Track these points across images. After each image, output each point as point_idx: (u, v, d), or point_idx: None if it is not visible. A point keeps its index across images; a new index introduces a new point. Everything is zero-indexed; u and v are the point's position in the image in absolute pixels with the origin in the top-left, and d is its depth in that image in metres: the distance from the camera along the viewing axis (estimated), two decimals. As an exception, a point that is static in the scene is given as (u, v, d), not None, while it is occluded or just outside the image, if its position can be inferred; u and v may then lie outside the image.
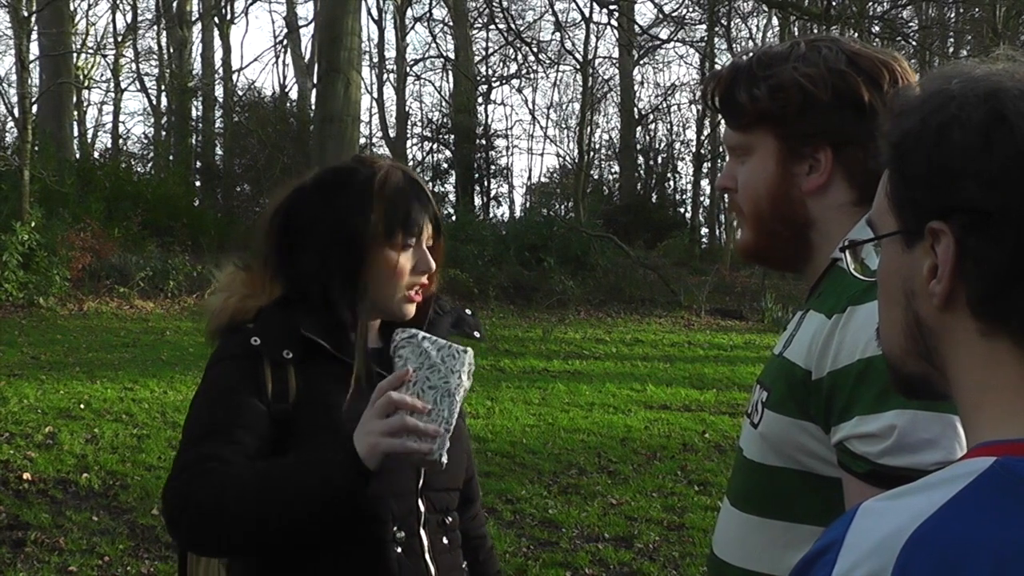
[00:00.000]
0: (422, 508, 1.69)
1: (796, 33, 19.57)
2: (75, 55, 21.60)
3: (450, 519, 1.76)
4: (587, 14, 22.29)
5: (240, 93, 23.95)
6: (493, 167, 25.49)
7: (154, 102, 27.06)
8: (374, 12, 27.05)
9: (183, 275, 14.26)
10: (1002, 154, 0.76)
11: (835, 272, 1.34)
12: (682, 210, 26.58)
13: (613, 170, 28.13)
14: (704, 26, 23.67)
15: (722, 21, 23.61)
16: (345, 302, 1.70)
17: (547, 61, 26.40)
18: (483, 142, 24.63)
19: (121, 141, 26.19)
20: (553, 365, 11.37)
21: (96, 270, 13.96)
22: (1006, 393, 0.77)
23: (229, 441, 1.59)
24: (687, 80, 35.90)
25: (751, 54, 1.43)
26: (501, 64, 29.14)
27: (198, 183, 22.06)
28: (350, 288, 1.70)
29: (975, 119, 0.77)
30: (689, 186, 27.17)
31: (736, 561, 1.37)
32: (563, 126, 34.22)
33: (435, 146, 25.51)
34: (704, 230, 26.70)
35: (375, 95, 28.25)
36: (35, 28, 17.04)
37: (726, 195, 1.48)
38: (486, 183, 25.21)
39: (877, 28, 18.07)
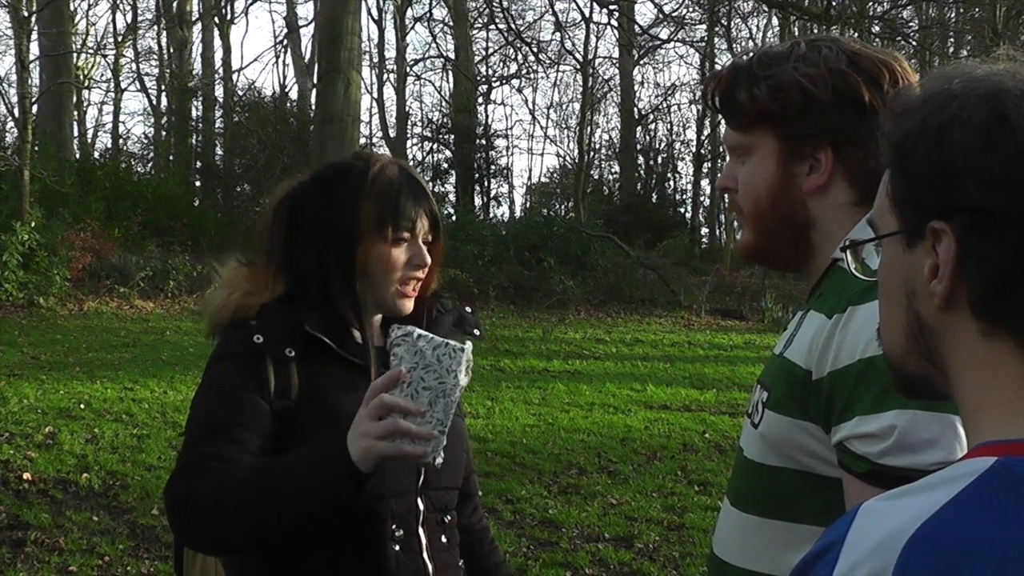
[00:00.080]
0: (421, 507, 1.69)
1: (796, 33, 19.58)
2: (75, 55, 21.61)
3: (449, 518, 1.76)
4: (587, 14, 22.35)
5: (240, 93, 23.97)
6: (493, 167, 25.51)
7: (154, 102, 27.11)
8: (374, 12, 27.10)
9: (183, 275, 14.27)
10: (1003, 154, 0.76)
11: (836, 272, 1.34)
12: (682, 210, 26.60)
13: (613, 170, 28.17)
14: (704, 26, 23.70)
15: (722, 21, 23.61)
16: (345, 298, 1.70)
17: (547, 61, 26.44)
18: (483, 142, 24.64)
19: (121, 141, 26.24)
20: (553, 365, 11.37)
21: (96, 270, 13.97)
22: (1007, 393, 0.77)
23: (230, 440, 1.59)
24: (687, 80, 35.94)
25: (751, 54, 1.43)
26: (501, 64, 29.20)
27: (198, 183, 22.07)
28: (348, 283, 1.70)
29: (976, 119, 0.77)
30: (689, 186, 27.21)
31: (736, 561, 1.37)
32: (563, 126, 34.29)
33: (435, 146, 25.55)
34: (704, 230, 26.76)
35: (375, 95, 28.32)
36: (35, 28, 17.04)
37: (726, 195, 1.48)
38: (486, 183, 25.24)
39: (877, 28, 18.07)
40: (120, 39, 26.63)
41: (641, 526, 5.64)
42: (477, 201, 24.39)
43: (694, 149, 25.92)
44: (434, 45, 34.08)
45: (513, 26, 23.54)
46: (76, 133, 23.05)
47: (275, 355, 1.64)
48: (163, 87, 25.96)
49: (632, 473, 6.78)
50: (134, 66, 27.32)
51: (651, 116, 27.39)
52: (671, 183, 27.64)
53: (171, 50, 25.39)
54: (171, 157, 21.96)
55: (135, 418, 7.54)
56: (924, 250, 0.81)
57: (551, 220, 19.86)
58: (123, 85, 27.14)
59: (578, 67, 24.42)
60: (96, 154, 23.80)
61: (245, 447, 1.59)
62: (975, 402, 0.80)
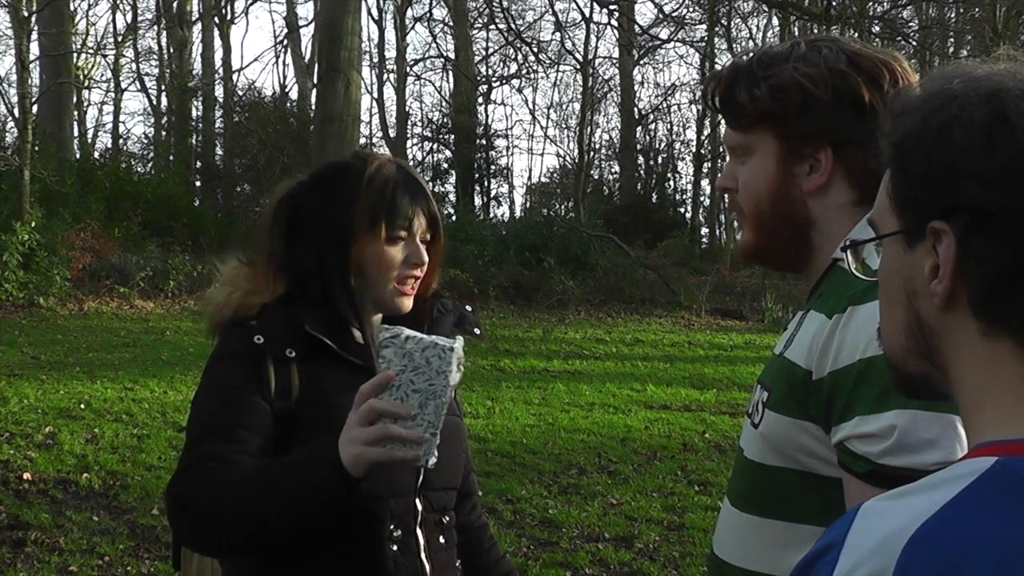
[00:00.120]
0: (419, 507, 1.69)
1: (796, 33, 19.58)
2: (75, 55, 21.61)
3: (447, 518, 1.76)
4: (587, 14, 22.35)
5: (240, 93, 23.98)
6: (493, 167, 25.51)
7: (154, 102, 27.12)
8: (374, 12, 27.10)
9: (183, 275, 14.27)
10: (1004, 154, 0.76)
11: (836, 272, 1.34)
12: (682, 210, 26.60)
13: (613, 170, 28.17)
14: (704, 26, 23.70)
15: (722, 21, 23.61)
16: (344, 298, 1.70)
17: (547, 61, 26.44)
18: (483, 142, 24.64)
19: (121, 141, 26.25)
20: (553, 365, 11.37)
21: (96, 270, 13.97)
22: (1007, 393, 0.77)
23: (230, 440, 1.59)
24: (687, 80, 35.93)
25: (751, 54, 1.43)
26: (501, 64, 29.20)
27: (198, 183, 22.07)
28: (346, 283, 1.70)
29: (977, 119, 0.77)
30: (689, 186, 27.22)
31: (736, 561, 1.37)
32: (563, 126, 34.28)
33: (435, 146, 25.55)
34: (704, 230, 26.76)
35: (375, 95, 28.31)
36: (35, 28, 17.05)
37: (727, 195, 1.48)
38: (486, 183, 25.24)
39: (877, 28, 18.07)
40: (120, 39, 26.65)
41: (641, 526, 5.64)
42: (477, 201, 24.40)
43: (694, 149, 25.95)
44: (434, 45, 34.09)
45: (513, 26, 23.56)
46: (76, 133, 23.08)
47: (276, 355, 1.64)
48: (163, 87, 25.98)
49: (632, 473, 6.78)
50: (134, 66, 27.37)
51: (651, 116, 27.42)
52: (671, 183, 27.67)
53: (171, 50, 25.40)
54: (171, 157, 21.97)
55: (135, 418, 7.54)
56: (924, 250, 0.81)
57: (551, 220, 19.86)
58: (123, 85, 27.19)
59: (578, 67, 24.43)
60: (96, 154, 23.84)
61: (246, 448, 1.59)
62: (975, 402, 0.80)
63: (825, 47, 1.37)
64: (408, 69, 26.99)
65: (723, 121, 1.48)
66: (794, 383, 1.29)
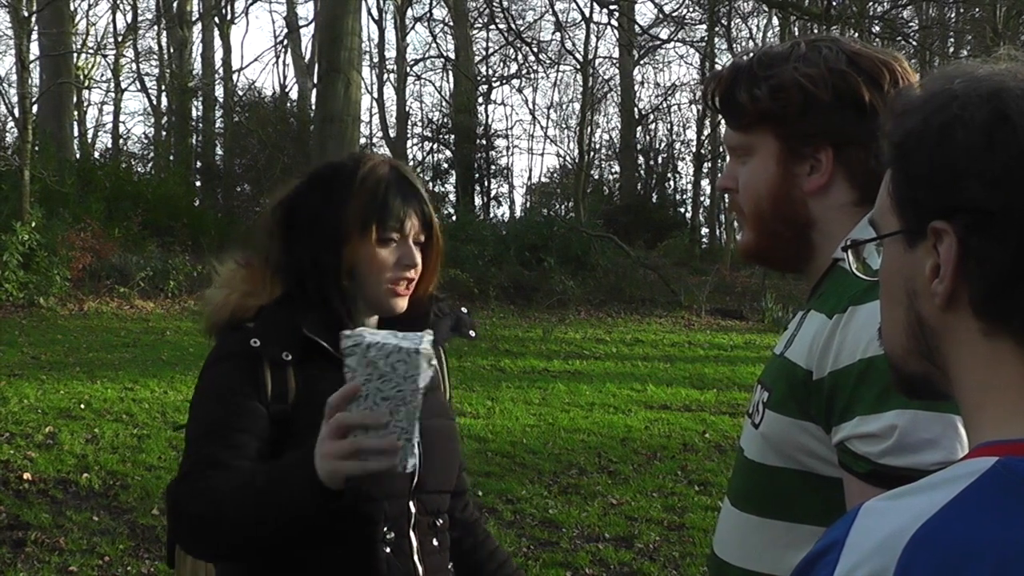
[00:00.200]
0: (413, 510, 1.69)
1: (796, 33, 19.58)
2: (75, 55, 21.61)
3: (440, 521, 1.76)
4: (587, 14, 22.34)
5: (240, 93, 23.98)
6: (493, 167, 25.51)
7: (154, 102, 27.11)
8: (374, 12, 27.07)
9: (183, 275, 14.27)
10: (1005, 154, 0.76)
11: (836, 272, 1.34)
12: (682, 210, 26.60)
13: (613, 170, 28.16)
14: (704, 26, 23.70)
15: (722, 21, 23.61)
16: (339, 299, 1.70)
17: (547, 61, 26.43)
18: (483, 142, 24.63)
19: (121, 141, 26.25)
20: (553, 365, 11.37)
21: (96, 270, 13.97)
22: (1008, 393, 0.77)
23: (228, 444, 1.59)
24: (687, 80, 35.88)
25: (751, 54, 1.43)
26: (501, 64, 29.19)
27: (198, 183, 22.07)
28: (339, 284, 1.70)
29: (978, 119, 0.77)
30: (689, 186, 27.21)
31: (736, 561, 1.37)
32: (563, 126, 34.27)
33: (435, 146, 25.55)
34: (704, 230, 26.75)
35: (375, 95, 28.29)
36: (35, 28, 17.04)
37: (727, 195, 1.48)
38: (486, 183, 25.24)
39: (877, 28, 18.06)
40: (120, 39, 26.64)
41: (641, 526, 5.64)
42: (477, 201, 24.40)
43: (694, 149, 25.94)
44: (434, 45, 34.07)
45: (513, 26, 23.55)
46: (76, 133, 23.07)
47: (272, 358, 1.64)
48: (163, 87, 25.97)
49: (632, 473, 6.78)
50: (134, 66, 27.36)
51: (651, 116, 27.41)
52: (671, 183, 27.67)
53: (171, 50, 25.40)
54: (171, 157, 21.98)
55: (135, 418, 7.54)
56: (925, 250, 0.81)
57: (551, 220, 19.85)
58: (123, 85, 27.18)
59: (578, 67, 24.43)
60: (96, 154, 23.83)
61: (243, 452, 1.59)
62: (976, 402, 0.79)
63: (825, 47, 1.37)
64: (408, 69, 27.01)
65: (723, 121, 1.47)
66: (794, 383, 1.29)
